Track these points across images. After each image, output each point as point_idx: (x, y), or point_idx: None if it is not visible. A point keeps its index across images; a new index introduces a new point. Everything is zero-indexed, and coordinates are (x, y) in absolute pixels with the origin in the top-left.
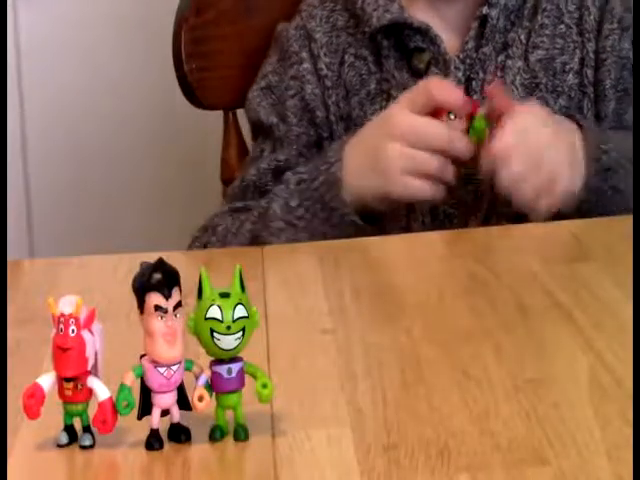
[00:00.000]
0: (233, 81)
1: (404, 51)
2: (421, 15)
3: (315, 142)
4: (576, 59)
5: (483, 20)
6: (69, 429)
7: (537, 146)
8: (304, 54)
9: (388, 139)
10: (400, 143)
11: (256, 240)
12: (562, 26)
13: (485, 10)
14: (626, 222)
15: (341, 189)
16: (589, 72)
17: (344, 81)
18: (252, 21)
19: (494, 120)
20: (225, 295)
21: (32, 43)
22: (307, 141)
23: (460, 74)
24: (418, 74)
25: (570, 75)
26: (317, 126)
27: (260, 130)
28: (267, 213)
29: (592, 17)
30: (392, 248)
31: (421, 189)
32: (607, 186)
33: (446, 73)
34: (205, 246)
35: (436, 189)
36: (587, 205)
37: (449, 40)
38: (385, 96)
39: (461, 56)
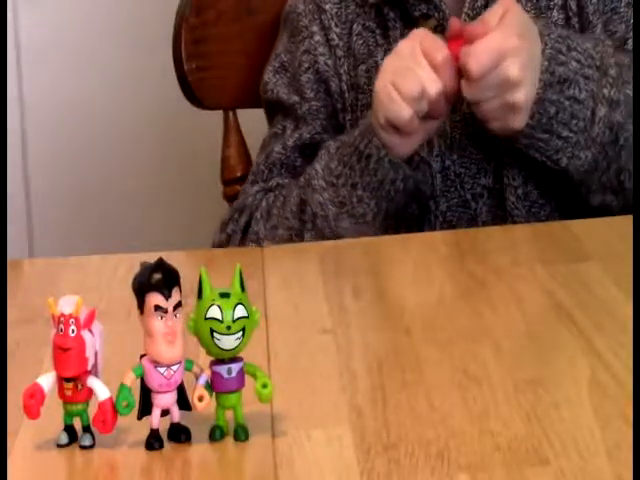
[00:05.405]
0: (233, 81)
1: (409, 20)
2: None
3: (332, 113)
4: None
5: None
6: (69, 429)
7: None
8: (314, 27)
9: (385, 75)
10: (389, 75)
11: (304, 204)
12: None
13: None
14: (626, 222)
15: (374, 135)
16: (572, 4)
17: (353, 50)
18: (252, 21)
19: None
20: (225, 295)
21: (32, 43)
22: (327, 113)
23: None
24: None
25: (555, 11)
26: (332, 97)
27: (280, 109)
28: (310, 174)
29: None
30: (392, 248)
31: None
32: (564, 97)
33: None
34: (245, 228)
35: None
36: (586, 154)
37: (451, 2)
38: None
39: (471, 14)
